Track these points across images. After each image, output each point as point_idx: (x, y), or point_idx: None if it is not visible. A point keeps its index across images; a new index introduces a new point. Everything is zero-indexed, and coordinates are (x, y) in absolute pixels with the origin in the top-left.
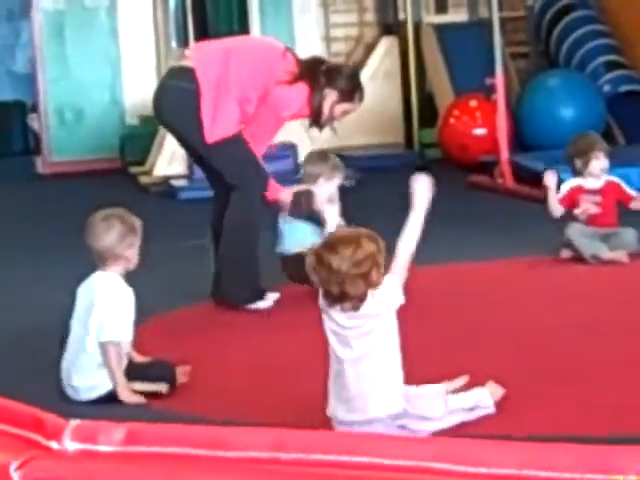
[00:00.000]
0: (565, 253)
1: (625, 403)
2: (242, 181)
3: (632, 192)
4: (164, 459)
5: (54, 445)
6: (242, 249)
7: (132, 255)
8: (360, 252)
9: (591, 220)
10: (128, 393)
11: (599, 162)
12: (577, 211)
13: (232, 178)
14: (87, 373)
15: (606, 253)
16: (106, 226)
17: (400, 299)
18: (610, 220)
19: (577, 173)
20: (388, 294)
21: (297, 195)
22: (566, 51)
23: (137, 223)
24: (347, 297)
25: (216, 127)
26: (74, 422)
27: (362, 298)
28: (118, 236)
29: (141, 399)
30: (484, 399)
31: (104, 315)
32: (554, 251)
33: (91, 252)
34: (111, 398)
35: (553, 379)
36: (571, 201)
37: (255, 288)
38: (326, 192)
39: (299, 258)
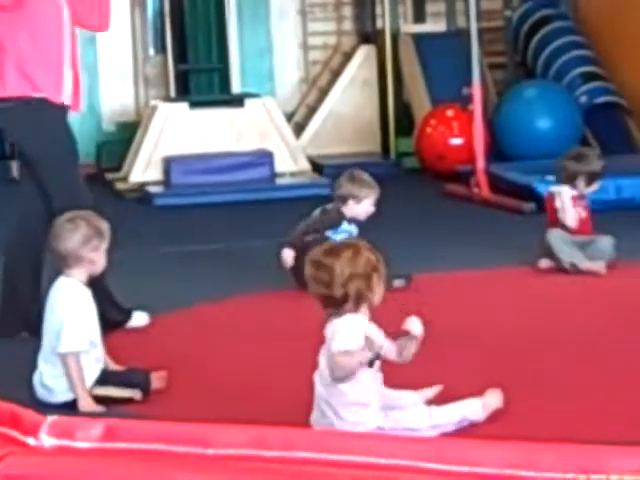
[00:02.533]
0: (544, 263)
1: (610, 410)
2: None
3: None
4: (142, 456)
5: (31, 441)
6: None
7: (97, 258)
8: (360, 257)
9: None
10: (88, 403)
11: (597, 185)
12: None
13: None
14: (62, 375)
15: (584, 263)
16: (71, 227)
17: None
18: (589, 227)
19: (562, 182)
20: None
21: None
22: (543, 62)
23: (104, 226)
24: (348, 299)
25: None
26: (51, 418)
27: (360, 300)
28: (83, 238)
29: (102, 409)
30: (474, 412)
31: (61, 326)
32: (530, 260)
33: (54, 255)
34: None
35: (534, 387)
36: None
37: None
38: (360, 212)
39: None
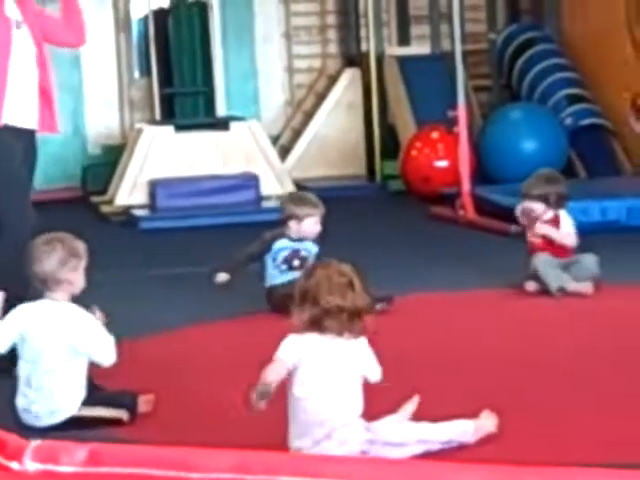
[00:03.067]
0: (530, 285)
1: (595, 433)
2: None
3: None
4: None
5: (15, 466)
6: None
7: (75, 279)
8: (355, 275)
9: (547, 250)
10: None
11: (530, 204)
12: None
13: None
14: (50, 396)
15: (571, 285)
16: (47, 250)
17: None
18: (565, 251)
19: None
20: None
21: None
22: (528, 84)
23: (81, 246)
24: (361, 313)
25: None
26: (35, 442)
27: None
28: (60, 259)
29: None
30: (464, 433)
31: (99, 342)
32: (515, 282)
33: (34, 278)
34: (71, 424)
35: (520, 409)
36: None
37: None
38: (304, 231)
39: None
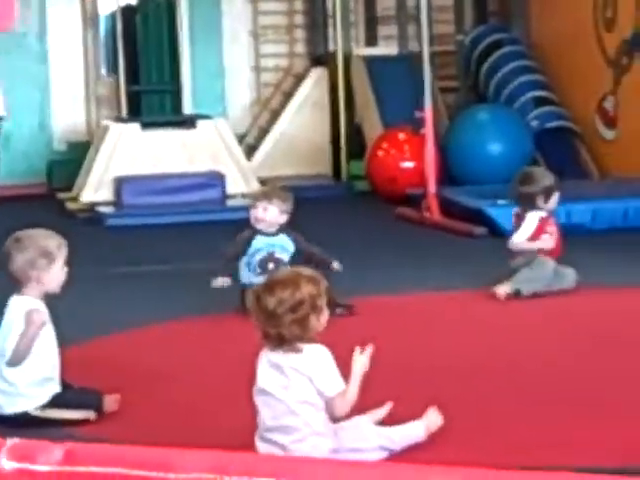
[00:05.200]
0: (500, 288)
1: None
2: None
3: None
4: (103, 479)
5: None
6: None
7: (46, 278)
8: (298, 294)
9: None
10: None
11: (556, 197)
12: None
13: None
14: (11, 386)
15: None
16: (18, 248)
17: (331, 389)
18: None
19: (524, 207)
20: (323, 373)
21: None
22: (495, 86)
23: (53, 245)
24: (284, 340)
25: None
26: (11, 441)
27: (301, 341)
28: (28, 260)
29: None
30: (418, 434)
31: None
32: (479, 284)
33: (8, 274)
34: (37, 423)
35: (474, 412)
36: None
37: None
38: (261, 222)
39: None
